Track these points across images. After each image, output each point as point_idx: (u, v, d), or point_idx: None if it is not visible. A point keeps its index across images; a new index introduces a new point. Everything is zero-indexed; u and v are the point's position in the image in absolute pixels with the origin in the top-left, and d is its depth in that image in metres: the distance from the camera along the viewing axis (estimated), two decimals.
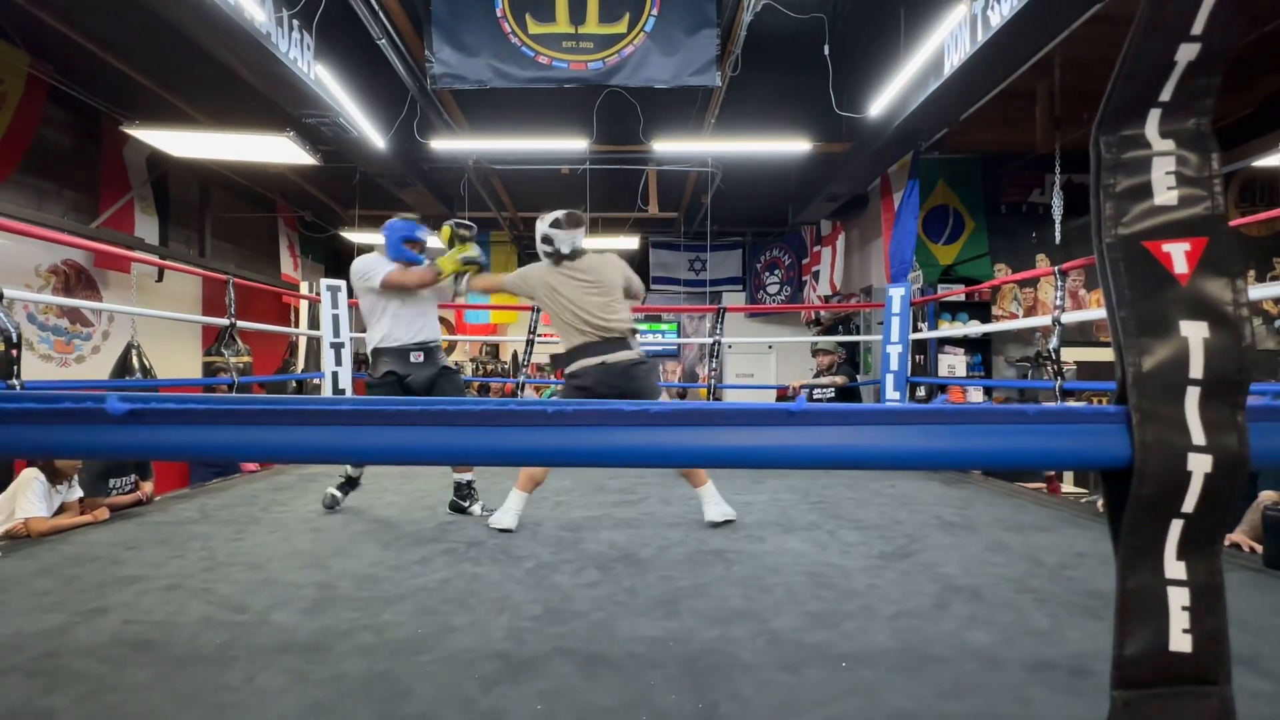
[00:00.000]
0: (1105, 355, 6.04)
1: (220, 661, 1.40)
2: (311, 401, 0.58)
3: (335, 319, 4.59)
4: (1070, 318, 3.30)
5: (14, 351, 2.42)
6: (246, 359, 4.76)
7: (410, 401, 0.62)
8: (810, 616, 1.66)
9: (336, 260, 9.53)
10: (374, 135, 5.11)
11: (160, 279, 6.39)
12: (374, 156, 5.54)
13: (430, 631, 1.56)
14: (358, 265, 2.77)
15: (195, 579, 1.93)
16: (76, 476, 2.87)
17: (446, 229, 2.83)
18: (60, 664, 1.38)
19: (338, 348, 4.57)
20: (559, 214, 2.66)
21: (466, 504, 2.78)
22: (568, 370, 2.62)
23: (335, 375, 4.49)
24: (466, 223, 2.86)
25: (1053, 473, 4.53)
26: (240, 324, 3.93)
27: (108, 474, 3.30)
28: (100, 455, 2.36)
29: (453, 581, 1.93)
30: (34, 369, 5.16)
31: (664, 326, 10.25)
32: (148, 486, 3.41)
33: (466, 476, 2.82)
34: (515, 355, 9.33)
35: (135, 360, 4.97)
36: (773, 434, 0.60)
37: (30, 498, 2.55)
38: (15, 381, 2.41)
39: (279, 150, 4.95)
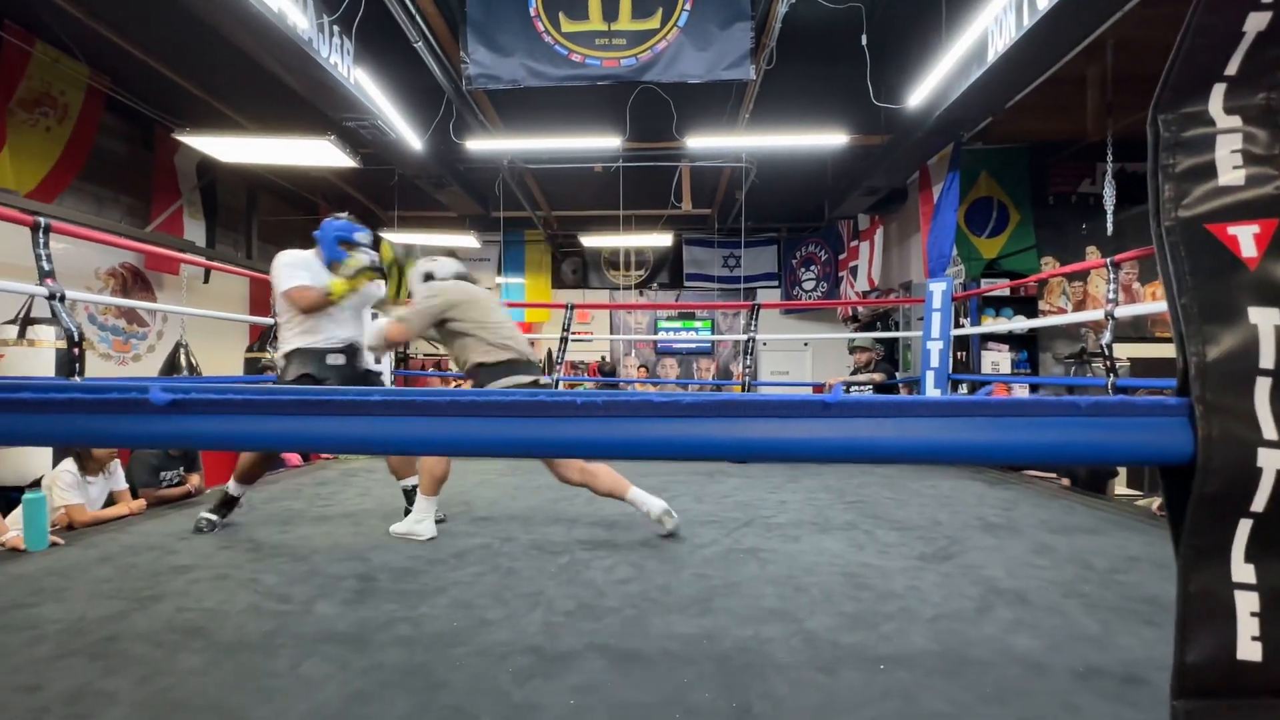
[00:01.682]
0: (1162, 351, 5.77)
1: (266, 649, 1.44)
2: (343, 393, 0.59)
3: (373, 317, 4.68)
4: (1124, 311, 3.16)
5: (76, 350, 2.53)
6: None
7: (440, 393, 0.62)
8: (847, 617, 1.63)
9: None
10: (411, 137, 5.21)
11: (206, 280, 6.63)
12: (411, 158, 5.65)
13: (466, 625, 1.58)
14: (278, 261, 2.59)
15: (243, 569, 2.00)
16: (119, 466, 2.97)
17: (386, 247, 2.70)
18: (119, 648, 1.43)
19: None
20: (420, 260, 2.67)
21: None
22: (502, 385, 2.44)
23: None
24: (368, 246, 2.70)
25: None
26: None
27: (159, 468, 3.45)
28: (145, 444, 2.46)
29: (487, 576, 1.95)
30: (94, 367, 5.41)
31: (698, 324, 10.20)
32: (195, 479, 3.55)
33: (412, 482, 2.67)
34: (550, 353, 9.40)
35: (183, 359, 5.16)
36: (807, 426, 0.58)
37: (62, 487, 2.67)
38: (78, 379, 2.52)
39: (321, 153, 5.08)
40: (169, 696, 1.23)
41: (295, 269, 2.55)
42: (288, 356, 2.57)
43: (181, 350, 5.17)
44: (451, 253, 2.74)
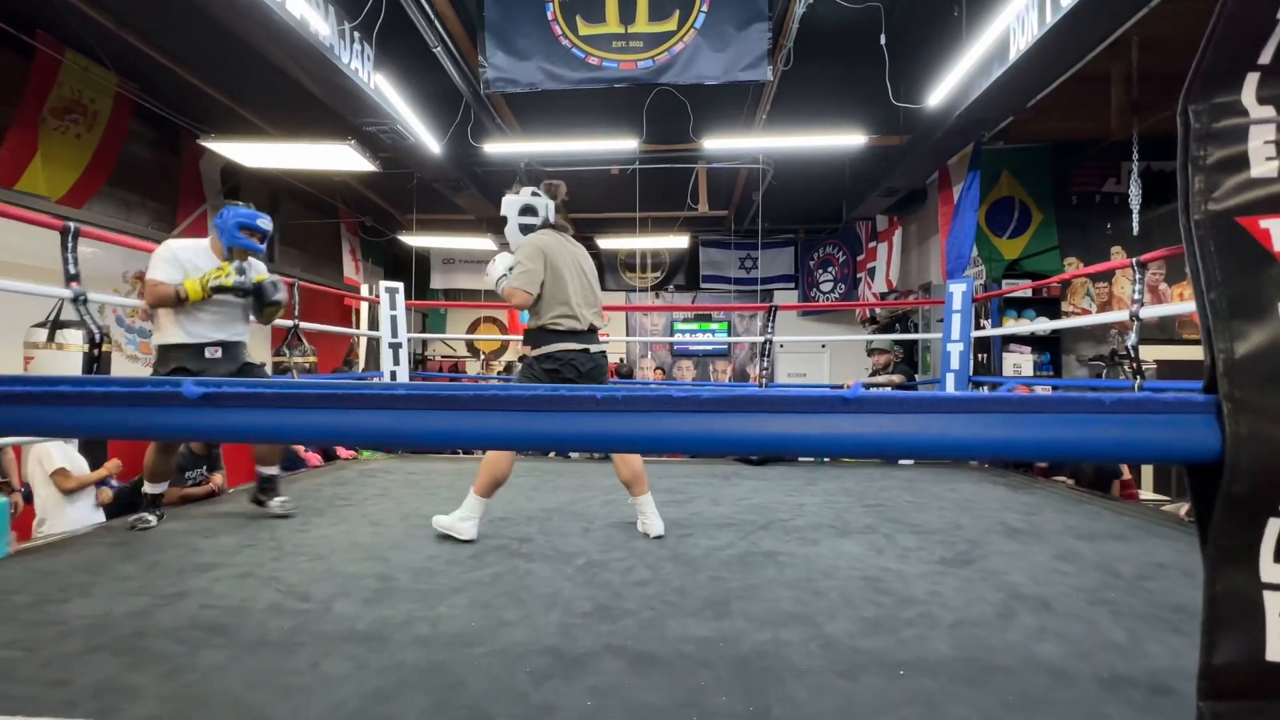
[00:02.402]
0: (1190, 353, 5.65)
1: (287, 647, 1.45)
2: (368, 387, 0.60)
3: (394, 320, 4.74)
4: (1150, 312, 3.09)
5: (96, 351, 2.58)
6: (312, 359, 4.97)
7: (461, 387, 0.62)
8: (866, 622, 1.61)
9: (395, 263, 9.85)
10: (430, 141, 5.26)
11: None
12: (430, 162, 5.70)
13: (483, 625, 1.58)
14: (160, 248, 2.56)
15: (264, 568, 2.03)
16: None
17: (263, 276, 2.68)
18: (144, 644, 1.46)
19: (396, 348, 4.71)
20: (529, 186, 2.57)
21: (265, 498, 2.74)
22: (540, 352, 2.40)
23: (394, 374, 4.63)
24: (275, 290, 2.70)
25: (1128, 476, 4.26)
26: (303, 325, 4.10)
27: (184, 467, 3.51)
28: (179, 436, 2.51)
29: (505, 577, 1.96)
30: (121, 368, 5.52)
31: (714, 325, 10.17)
32: (218, 478, 3.61)
33: (271, 470, 2.76)
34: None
35: None
36: (827, 422, 0.57)
37: (50, 453, 2.78)
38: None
39: (341, 158, 5.16)
40: (192, 693, 1.25)
41: (164, 261, 2.52)
42: (161, 350, 2.57)
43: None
44: (549, 182, 2.60)
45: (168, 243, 2.60)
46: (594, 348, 2.44)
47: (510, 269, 2.46)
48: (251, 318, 2.81)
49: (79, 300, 2.55)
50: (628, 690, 1.27)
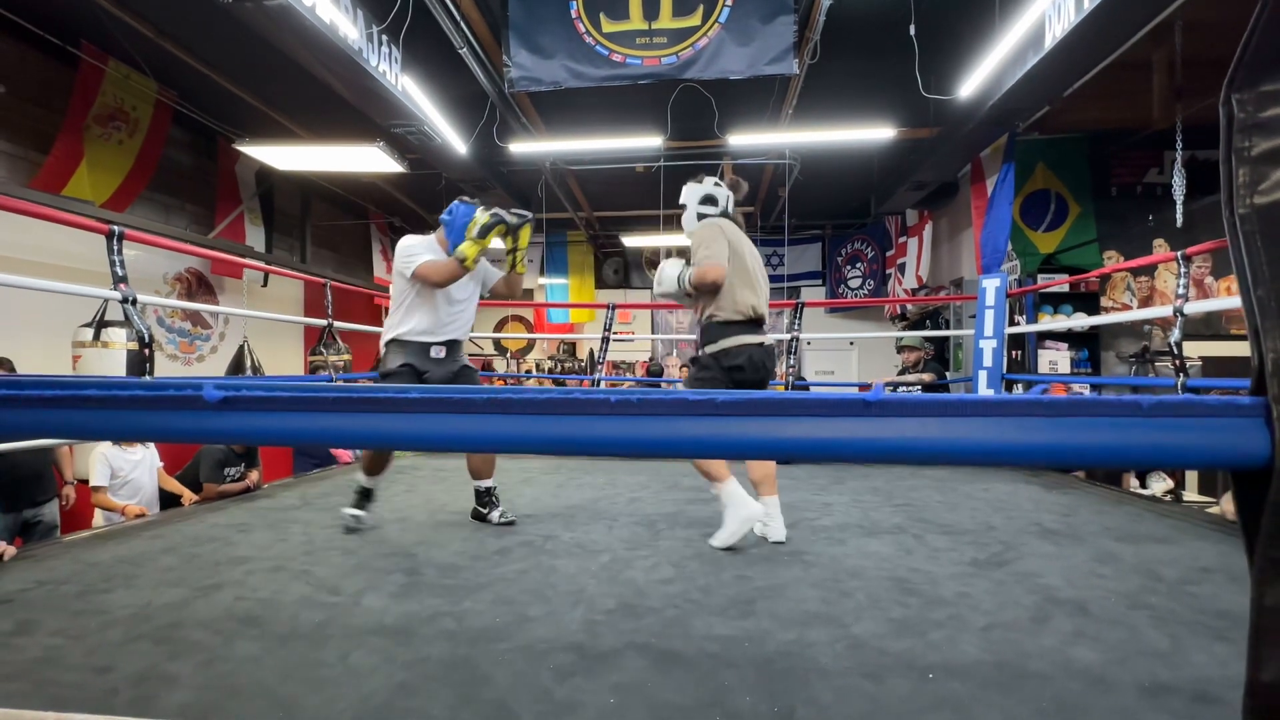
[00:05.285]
0: (1238, 349, 5.43)
1: (317, 639, 1.49)
2: (383, 390, 0.61)
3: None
4: (1194, 307, 2.98)
5: (146, 351, 2.67)
6: (347, 357, 5.07)
7: (478, 390, 0.63)
8: (894, 623, 1.58)
9: None
10: (456, 141, 5.32)
11: (265, 284, 6.92)
12: (456, 162, 5.76)
13: (508, 621, 1.60)
14: (402, 245, 2.50)
15: (296, 561, 2.07)
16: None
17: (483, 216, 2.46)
18: (182, 634, 1.51)
19: None
20: (711, 177, 2.54)
21: (486, 510, 2.62)
22: (724, 347, 2.33)
23: None
24: (518, 212, 2.49)
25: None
26: (337, 324, 4.18)
27: (224, 463, 3.62)
28: (200, 439, 2.58)
29: (530, 573, 1.97)
30: (162, 368, 5.70)
31: None
32: (254, 475, 3.71)
33: (487, 483, 2.63)
34: (591, 353, 9.46)
35: (248, 359, 5.41)
36: (848, 425, 0.56)
37: (96, 468, 2.85)
38: (148, 379, 2.65)
39: (370, 160, 5.24)
40: (227, 682, 1.28)
41: (418, 250, 2.46)
42: (389, 345, 2.52)
43: (246, 351, 5.42)
44: (733, 178, 2.62)
45: (409, 236, 2.53)
46: (767, 340, 2.40)
47: (683, 270, 2.42)
48: (486, 290, 2.69)
49: (128, 302, 2.63)
50: (651, 688, 1.27)
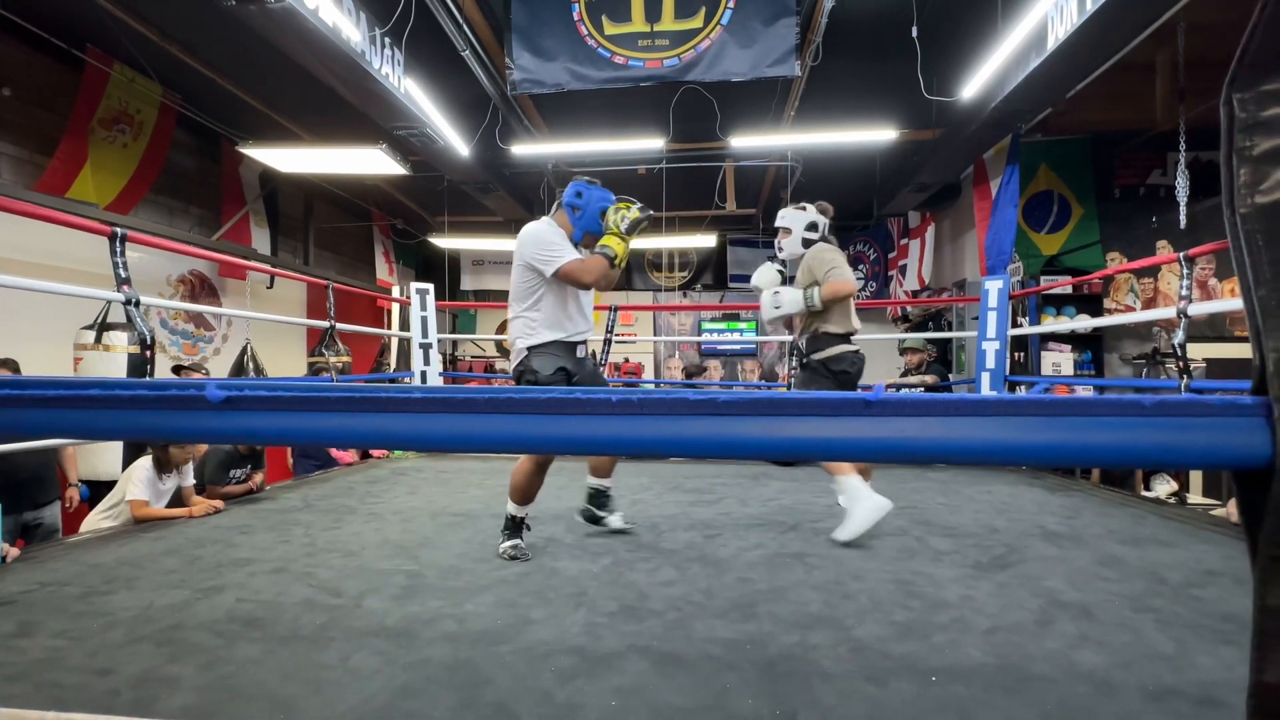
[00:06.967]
0: (1241, 351, 5.41)
1: (319, 641, 1.49)
2: (386, 390, 0.61)
3: (424, 321, 4.81)
4: (1198, 309, 2.97)
5: (147, 354, 2.67)
6: (346, 359, 5.08)
7: (477, 390, 0.63)
8: (897, 626, 1.58)
9: (427, 265, 10.01)
10: (459, 143, 5.33)
11: (271, 286, 6.94)
12: (459, 164, 5.77)
13: (509, 623, 1.60)
14: (536, 236, 2.19)
15: (298, 563, 2.07)
16: (191, 466, 3.12)
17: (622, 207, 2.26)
18: (183, 636, 1.51)
19: (426, 348, 4.78)
20: (810, 205, 2.78)
21: (603, 514, 2.49)
22: (833, 354, 2.63)
23: (424, 374, 4.70)
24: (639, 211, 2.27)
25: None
26: (339, 326, 4.19)
27: (229, 465, 3.62)
28: (202, 439, 2.58)
29: (531, 575, 1.97)
30: (165, 370, 5.72)
31: (742, 325, 10.09)
32: (259, 477, 3.71)
33: (605, 483, 2.45)
34: (593, 355, 9.51)
35: (250, 361, 5.42)
36: (848, 425, 0.56)
37: (136, 483, 2.83)
38: (151, 380, 2.66)
39: (373, 162, 5.26)
40: (228, 684, 1.28)
41: (558, 243, 2.17)
42: (538, 349, 2.21)
43: (248, 353, 5.43)
44: (823, 203, 2.81)
45: (537, 226, 2.24)
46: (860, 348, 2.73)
47: (810, 289, 2.63)
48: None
49: (131, 304, 2.64)
50: (653, 691, 1.26)
